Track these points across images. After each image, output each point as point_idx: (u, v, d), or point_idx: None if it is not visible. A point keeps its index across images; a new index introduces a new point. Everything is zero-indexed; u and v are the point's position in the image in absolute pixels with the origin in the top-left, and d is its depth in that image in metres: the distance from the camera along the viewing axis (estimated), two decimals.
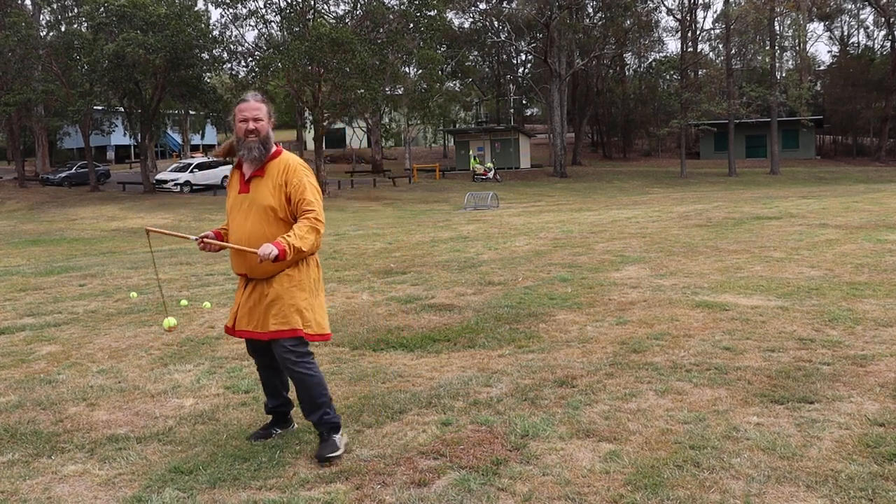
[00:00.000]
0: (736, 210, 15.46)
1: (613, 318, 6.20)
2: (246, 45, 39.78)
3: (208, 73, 41.66)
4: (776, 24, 49.74)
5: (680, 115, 45.96)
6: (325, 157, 41.28)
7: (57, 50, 36.75)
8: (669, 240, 11.05)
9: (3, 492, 3.45)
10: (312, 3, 37.48)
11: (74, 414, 4.48)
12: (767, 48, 49.66)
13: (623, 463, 3.42)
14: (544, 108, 58.90)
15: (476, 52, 57.56)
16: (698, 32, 54.30)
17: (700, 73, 51.35)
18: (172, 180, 40.50)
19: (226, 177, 34.29)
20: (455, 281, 8.43)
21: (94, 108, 40.60)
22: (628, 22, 51.90)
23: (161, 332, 6.60)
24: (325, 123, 37.72)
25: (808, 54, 62.90)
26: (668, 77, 61.78)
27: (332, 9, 40.23)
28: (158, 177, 41.70)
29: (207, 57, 38.55)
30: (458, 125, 64.17)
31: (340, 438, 3.68)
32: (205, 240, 3.79)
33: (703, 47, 57.81)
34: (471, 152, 51.19)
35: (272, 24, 37.91)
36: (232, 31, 39.93)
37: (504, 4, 53.53)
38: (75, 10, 41.14)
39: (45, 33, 40.95)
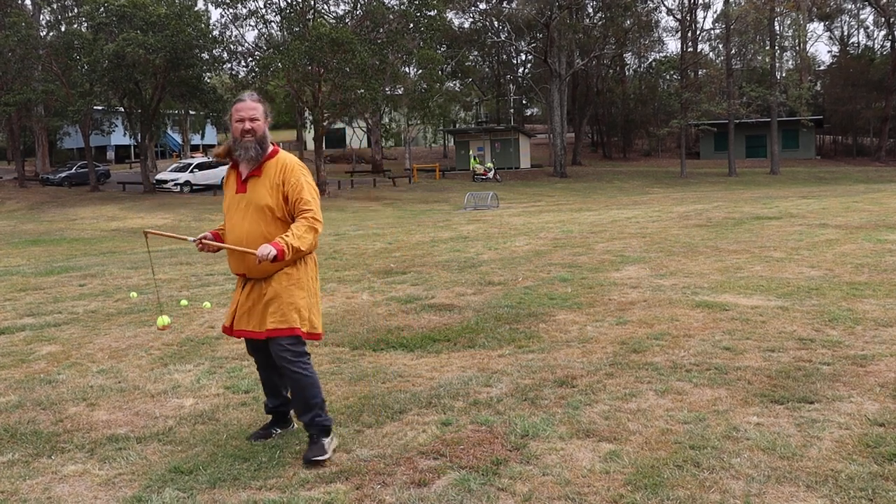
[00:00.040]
0: (736, 210, 15.46)
1: (613, 318, 6.20)
2: (246, 45, 39.83)
3: (208, 73, 41.67)
4: (776, 24, 49.75)
5: (680, 115, 45.96)
6: (325, 157, 41.29)
7: (57, 50, 36.75)
8: (669, 240, 11.05)
9: (3, 492, 3.45)
10: (312, 3, 37.49)
11: (74, 414, 4.48)
12: (767, 48, 49.66)
13: (623, 463, 3.42)
14: (544, 108, 58.91)
15: (476, 52, 57.56)
16: (698, 32, 54.32)
17: (700, 73, 51.36)
18: (172, 180, 40.50)
19: None
20: (455, 281, 8.43)
21: (94, 108, 40.61)
22: (628, 22, 51.90)
23: (161, 331, 6.60)
24: (325, 123, 37.72)
25: (808, 54, 62.92)
26: (668, 77, 61.78)
27: (332, 9, 40.27)
28: (158, 177, 41.70)
29: (207, 57, 38.55)
30: (458, 125, 64.17)
31: (330, 442, 3.66)
32: (203, 241, 3.79)
33: (703, 47, 57.88)
34: (471, 152, 51.18)
35: (272, 24, 37.94)
36: (232, 31, 39.98)
37: (504, 4, 53.53)
38: (75, 10, 41.14)
39: (45, 33, 40.95)
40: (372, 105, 37.61)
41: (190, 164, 42.17)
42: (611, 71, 61.76)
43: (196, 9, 39.03)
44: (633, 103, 62.02)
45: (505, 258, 10.12)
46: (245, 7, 37.58)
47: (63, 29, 40.54)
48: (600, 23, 52.56)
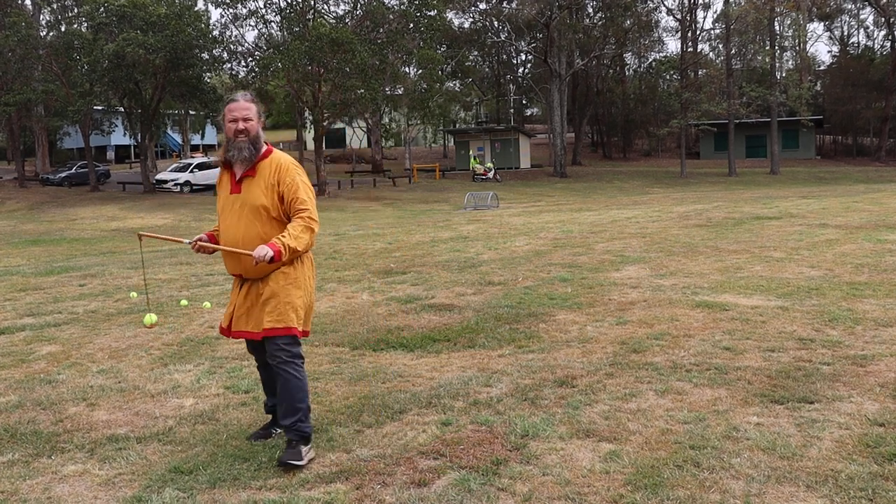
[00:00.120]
0: (736, 210, 15.46)
1: (613, 318, 6.20)
2: (246, 45, 39.86)
3: (208, 73, 41.68)
4: (776, 24, 49.76)
5: (680, 115, 45.97)
6: (325, 157, 41.29)
7: (57, 50, 36.76)
8: (669, 240, 11.05)
9: (3, 492, 3.45)
10: (312, 3, 37.50)
11: (74, 414, 4.48)
12: (767, 48, 49.66)
13: (623, 463, 3.42)
14: (544, 108, 58.91)
15: (476, 52, 57.57)
16: (698, 32, 54.32)
17: (700, 73, 51.36)
18: (172, 180, 40.51)
19: None
20: (455, 281, 8.43)
21: (94, 108, 40.63)
22: (628, 22, 51.91)
23: (161, 331, 6.61)
24: (325, 123, 37.73)
25: (808, 54, 62.92)
26: (668, 77, 61.79)
27: (332, 9, 40.30)
28: (158, 177, 41.72)
29: (207, 57, 38.56)
30: (458, 125, 64.19)
31: (307, 451, 3.59)
32: (199, 243, 3.77)
33: (703, 47, 57.88)
34: (471, 152, 51.19)
35: (272, 24, 37.96)
36: (232, 31, 40.04)
37: (504, 4, 53.52)
38: (75, 10, 41.15)
39: (45, 33, 40.96)
40: (372, 105, 37.63)
41: (190, 164, 42.18)
42: (611, 71, 61.77)
43: (196, 9, 39.04)
44: (633, 103, 62.02)
45: (505, 258, 10.12)
46: (245, 7, 37.62)
47: (63, 29, 40.55)
48: (600, 23, 52.57)
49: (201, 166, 41.36)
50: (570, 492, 3.17)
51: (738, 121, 47.71)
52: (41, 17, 43.55)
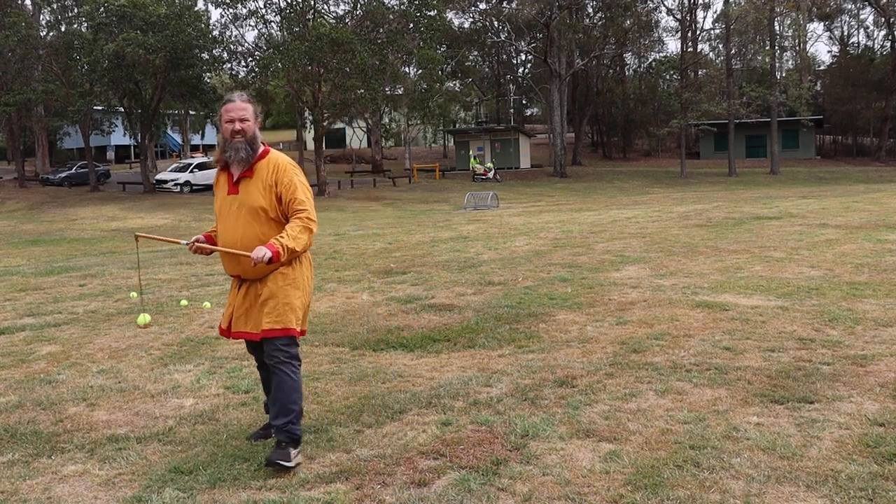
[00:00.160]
0: (736, 210, 15.46)
1: (613, 318, 6.20)
2: (246, 45, 39.87)
3: (208, 73, 41.69)
4: (776, 24, 49.76)
5: (680, 115, 45.97)
6: (325, 157, 41.29)
7: (57, 50, 36.77)
8: (669, 240, 11.05)
9: (3, 492, 3.45)
10: (312, 3, 37.50)
11: (74, 414, 4.48)
12: (767, 48, 49.66)
13: (623, 463, 3.42)
14: (544, 108, 58.91)
15: (476, 52, 57.56)
16: (698, 32, 54.32)
17: (700, 73, 51.36)
18: (172, 180, 40.51)
19: None
20: (455, 281, 8.43)
21: (94, 108, 40.63)
22: (628, 22, 51.91)
23: (161, 331, 6.61)
24: (325, 123, 37.72)
25: (808, 54, 62.92)
26: (668, 77, 61.79)
27: (332, 9, 40.30)
28: (158, 177, 41.72)
29: (207, 57, 38.57)
30: (458, 125, 64.18)
31: (296, 454, 3.56)
32: (196, 244, 3.76)
33: (703, 47, 57.89)
34: (471, 152, 51.19)
35: (272, 24, 37.96)
36: (232, 31, 40.05)
37: (504, 4, 53.52)
38: (75, 10, 41.15)
39: (45, 33, 40.97)
40: (372, 105, 37.63)
41: (190, 164, 42.18)
42: (611, 71, 61.77)
43: (196, 9, 39.04)
44: (633, 103, 62.02)
45: (505, 258, 10.12)
46: (245, 7, 37.63)
47: (63, 29, 40.55)
48: (600, 23, 52.56)
49: (201, 166, 41.35)
50: (570, 492, 3.17)
51: (738, 121, 47.71)
52: (41, 17, 43.56)
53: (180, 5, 37.28)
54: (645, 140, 65.49)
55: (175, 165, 43.85)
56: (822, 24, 65.70)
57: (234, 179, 3.70)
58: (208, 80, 42.14)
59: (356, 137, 64.63)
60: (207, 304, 7.18)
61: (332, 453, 3.71)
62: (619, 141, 65.49)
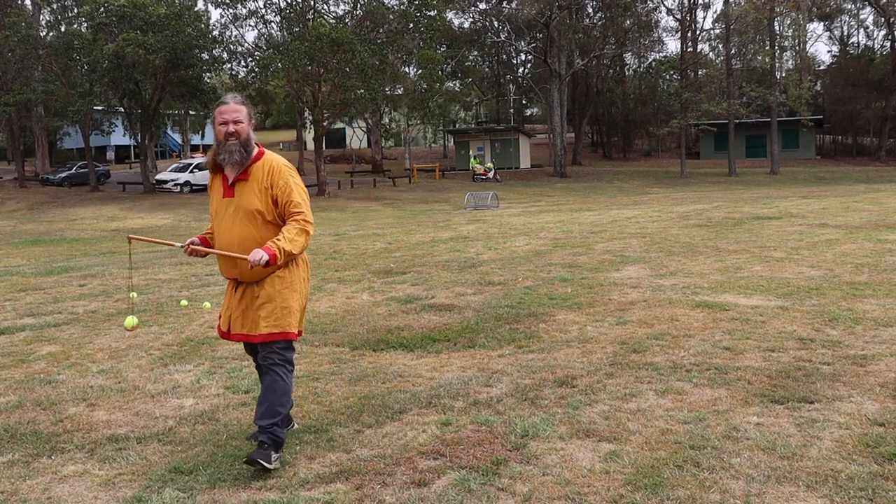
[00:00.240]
0: (736, 210, 15.46)
1: (613, 318, 6.20)
2: (246, 45, 39.85)
3: (208, 73, 41.68)
4: (776, 24, 49.75)
5: (680, 115, 45.97)
6: (325, 157, 41.28)
7: (57, 50, 36.77)
8: (669, 240, 11.05)
9: (3, 492, 3.45)
10: (312, 3, 37.50)
11: (74, 414, 4.48)
12: (767, 48, 49.65)
13: (623, 463, 3.42)
14: (544, 108, 58.91)
15: (476, 52, 57.57)
16: (698, 32, 54.33)
17: (700, 73, 51.36)
18: (172, 180, 40.53)
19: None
20: (455, 281, 8.43)
21: (94, 108, 40.63)
22: (628, 22, 51.92)
23: (161, 331, 6.61)
24: (325, 123, 37.72)
25: (808, 54, 62.92)
26: (668, 77, 61.80)
27: (332, 9, 40.29)
28: (158, 177, 41.73)
29: (207, 57, 38.57)
30: (458, 125, 64.18)
31: (276, 457, 3.53)
32: (192, 246, 3.74)
33: (703, 47, 57.90)
34: (471, 152, 51.19)
35: (272, 24, 37.96)
36: (232, 32, 40.05)
37: (504, 4, 53.52)
38: (75, 10, 41.16)
39: (45, 33, 40.97)
40: (372, 105, 37.62)
41: (190, 165, 42.18)
42: (611, 71, 61.77)
43: (196, 9, 39.05)
44: (633, 103, 62.03)
45: (505, 258, 10.12)
46: (245, 7, 37.62)
47: (63, 29, 40.56)
48: (600, 23, 52.57)
49: (201, 166, 41.30)
50: (570, 492, 3.17)
51: (738, 121, 47.72)
52: (41, 17, 43.56)
53: (180, 5, 37.28)
54: (645, 140, 65.49)
55: (175, 165, 43.86)
56: (821, 24, 65.74)
57: (230, 182, 3.67)
58: (208, 81, 42.13)
59: (356, 137, 64.62)
60: (207, 305, 7.18)
61: (332, 453, 3.71)
62: (619, 141, 65.49)
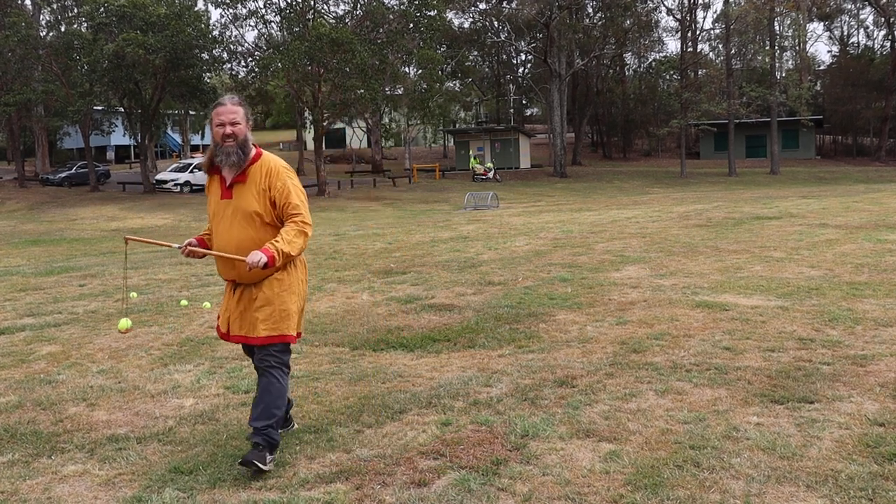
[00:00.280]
0: (736, 210, 15.46)
1: (613, 318, 6.20)
2: (246, 45, 39.87)
3: (208, 73, 41.69)
4: (776, 24, 49.75)
5: (680, 115, 45.97)
6: (325, 157, 41.28)
7: (57, 50, 36.77)
8: (669, 240, 11.05)
9: (3, 492, 3.45)
10: (312, 3, 37.51)
11: (74, 414, 4.48)
12: (767, 48, 49.66)
13: (623, 463, 3.42)
14: (544, 108, 58.91)
15: (476, 52, 57.57)
16: (698, 32, 54.33)
17: (700, 73, 51.37)
18: (172, 180, 40.53)
19: None
20: (455, 281, 8.43)
21: (94, 108, 40.64)
22: (628, 22, 51.92)
23: (161, 331, 6.61)
24: (325, 123, 37.72)
25: (808, 54, 62.93)
26: (668, 77, 61.80)
27: (332, 9, 40.30)
28: (158, 177, 41.73)
29: (207, 57, 38.57)
30: (458, 125, 64.19)
31: (270, 459, 3.54)
32: (189, 247, 3.72)
33: (703, 47, 57.90)
34: (471, 152, 51.19)
35: (272, 24, 37.97)
36: (232, 32, 40.03)
37: (504, 4, 53.53)
38: (75, 10, 41.16)
39: (45, 33, 40.97)
40: (372, 105, 37.63)
41: (190, 165, 42.18)
42: (611, 71, 61.77)
43: (196, 9, 39.05)
44: (633, 103, 62.03)
45: (505, 258, 10.12)
46: (245, 7, 37.63)
47: (63, 29, 40.57)
48: (600, 23, 52.57)
49: (201, 167, 41.29)
50: (570, 492, 3.17)
51: (738, 121, 47.72)
52: (41, 17, 43.56)
53: (180, 5, 37.29)
54: (645, 140, 65.49)
55: (175, 165, 43.86)
56: (822, 24, 65.74)
57: (228, 184, 3.65)
58: (208, 80, 42.14)
59: (356, 137, 64.62)
60: (207, 305, 7.18)
61: (332, 453, 3.71)
62: (619, 141, 65.50)
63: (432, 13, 37.44)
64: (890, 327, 5.50)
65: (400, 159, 60.39)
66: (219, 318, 3.88)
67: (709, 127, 50.79)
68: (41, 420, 4.40)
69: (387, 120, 52.96)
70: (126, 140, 55.46)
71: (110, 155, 62.18)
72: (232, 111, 3.58)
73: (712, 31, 56.70)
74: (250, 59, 39.16)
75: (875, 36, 69.07)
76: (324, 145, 42.57)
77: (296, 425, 4.07)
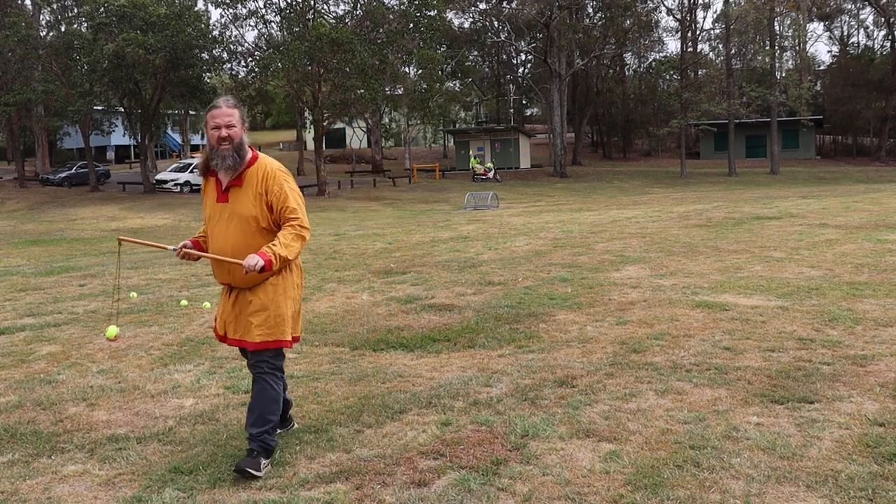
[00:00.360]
0: (736, 210, 15.46)
1: (613, 318, 6.20)
2: (246, 45, 39.85)
3: (208, 73, 41.69)
4: (776, 24, 49.75)
5: (680, 115, 45.97)
6: (325, 157, 41.28)
7: (57, 50, 36.77)
8: (669, 240, 11.05)
9: (3, 492, 3.45)
10: (312, 3, 37.51)
11: (74, 414, 4.48)
12: (767, 48, 49.66)
13: (623, 463, 3.42)
14: (544, 108, 58.91)
15: (476, 52, 57.56)
16: (698, 32, 54.34)
17: (700, 73, 51.36)
18: (172, 180, 40.53)
19: None
20: (455, 281, 8.43)
21: (94, 108, 40.64)
22: (628, 22, 51.91)
23: (161, 331, 6.61)
24: (325, 123, 37.72)
25: (808, 54, 62.92)
26: (668, 77, 61.79)
27: (332, 9, 40.29)
28: (158, 177, 41.73)
29: (207, 57, 38.57)
30: (458, 125, 64.19)
31: (265, 464, 3.54)
32: (184, 249, 3.70)
33: (703, 47, 57.90)
34: (471, 152, 51.20)
35: (272, 24, 37.97)
36: (232, 32, 40.02)
37: (504, 4, 53.52)
38: (75, 10, 41.16)
39: (45, 33, 40.98)
40: (372, 105, 37.63)
41: (190, 164, 42.17)
42: (611, 71, 61.77)
43: (196, 9, 39.05)
44: (633, 103, 62.03)
45: (505, 258, 10.12)
46: (245, 7, 37.64)
47: (63, 29, 40.57)
48: (600, 23, 52.57)
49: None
50: (570, 492, 3.17)
51: (738, 121, 47.72)
52: (41, 17, 43.56)
53: (180, 5, 37.29)
54: (645, 140, 65.49)
55: (175, 165, 43.85)
56: (822, 24, 65.73)
57: (223, 187, 3.61)
58: (208, 80, 42.14)
59: (356, 137, 64.62)
60: (207, 305, 7.18)
61: (332, 453, 3.71)
62: (619, 141, 65.50)
63: (432, 13, 37.44)
64: (890, 327, 5.50)
65: (400, 159, 60.39)
66: (216, 320, 3.87)
67: (709, 127, 50.79)
68: (41, 420, 4.40)
69: (387, 120, 52.97)
70: (126, 140, 55.46)
71: (110, 155, 62.19)
72: (227, 114, 3.53)
73: (712, 31, 56.77)
74: (250, 59, 39.17)
75: (875, 36, 69.14)
76: (324, 145, 42.59)
77: (296, 425, 4.07)
